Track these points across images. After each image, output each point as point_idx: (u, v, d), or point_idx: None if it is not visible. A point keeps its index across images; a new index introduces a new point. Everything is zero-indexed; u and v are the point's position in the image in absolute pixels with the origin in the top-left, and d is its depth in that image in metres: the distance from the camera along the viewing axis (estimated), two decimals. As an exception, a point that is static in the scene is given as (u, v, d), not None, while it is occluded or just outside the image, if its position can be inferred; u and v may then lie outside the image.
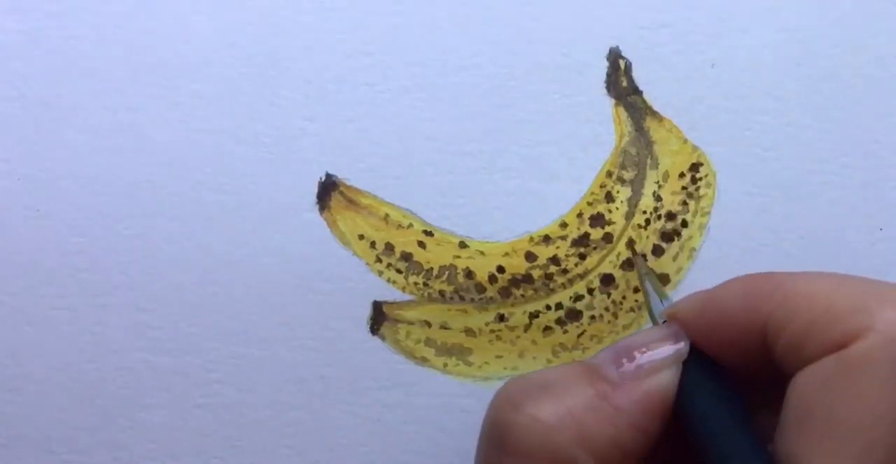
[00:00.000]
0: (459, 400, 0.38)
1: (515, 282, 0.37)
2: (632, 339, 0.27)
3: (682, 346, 0.26)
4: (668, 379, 0.25)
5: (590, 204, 0.37)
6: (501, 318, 0.37)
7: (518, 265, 0.37)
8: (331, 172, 0.37)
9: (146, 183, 0.37)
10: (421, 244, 0.37)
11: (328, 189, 0.37)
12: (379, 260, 0.37)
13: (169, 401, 0.37)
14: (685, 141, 0.37)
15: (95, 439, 0.37)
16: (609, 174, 0.37)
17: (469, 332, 0.38)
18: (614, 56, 0.37)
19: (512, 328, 0.37)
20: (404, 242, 0.37)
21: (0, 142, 0.37)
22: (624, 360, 0.26)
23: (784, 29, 0.37)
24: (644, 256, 0.37)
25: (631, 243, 0.36)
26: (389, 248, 0.37)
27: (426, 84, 0.37)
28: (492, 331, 0.38)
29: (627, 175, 0.37)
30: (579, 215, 0.37)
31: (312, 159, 0.37)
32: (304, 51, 0.37)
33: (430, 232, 0.37)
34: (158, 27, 0.37)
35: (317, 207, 0.37)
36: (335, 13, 0.37)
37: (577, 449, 0.24)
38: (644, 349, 0.26)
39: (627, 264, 0.37)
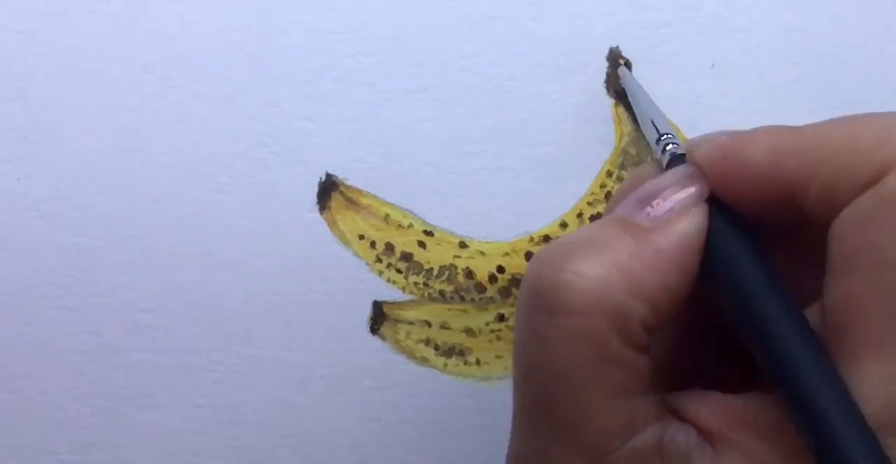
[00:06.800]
0: (459, 400, 0.37)
1: (515, 282, 0.37)
2: (652, 184, 0.26)
3: (703, 186, 0.26)
4: (698, 217, 0.25)
5: (590, 204, 0.37)
6: (501, 318, 0.37)
7: (518, 265, 0.37)
8: (331, 172, 0.37)
9: (146, 183, 0.37)
10: (421, 244, 0.37)
11: (328, 189, 0.37)
12: (379, 260, 0.37)
13: (169, 401, 0.37)
14: (685, 141, 0.37)
15: (95, 439, 0.37)
16: (609, 174, 0.37)
17: (469, 332, 0.38)
18: (614, 56, 0.37)
19: (512, 328, 0.37)
20: (404, 242, 0.37)
21: (0, 142, 0.37)
22: (649, 207, 0.25)
23: (784, 29, 0.37)
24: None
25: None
26: (389, 248, 0.37)
27: (426, 84, 0.37)
28: (492, 331, 0.38)
29: (627, 175, 0.37)
30: (579, 215, 0.37)
31: (312, 159, 0.37)
32: (304, 51, 0.37)
33: (430, 232, 0.37)
34: (158, 27, 0.37)
35: (317, 207, 0.37)
36: (335, 13, 0.37)
37: (630, 299, 0.23)
38: (667, 193, 0.26)
39: (627, 264, 0.37)
